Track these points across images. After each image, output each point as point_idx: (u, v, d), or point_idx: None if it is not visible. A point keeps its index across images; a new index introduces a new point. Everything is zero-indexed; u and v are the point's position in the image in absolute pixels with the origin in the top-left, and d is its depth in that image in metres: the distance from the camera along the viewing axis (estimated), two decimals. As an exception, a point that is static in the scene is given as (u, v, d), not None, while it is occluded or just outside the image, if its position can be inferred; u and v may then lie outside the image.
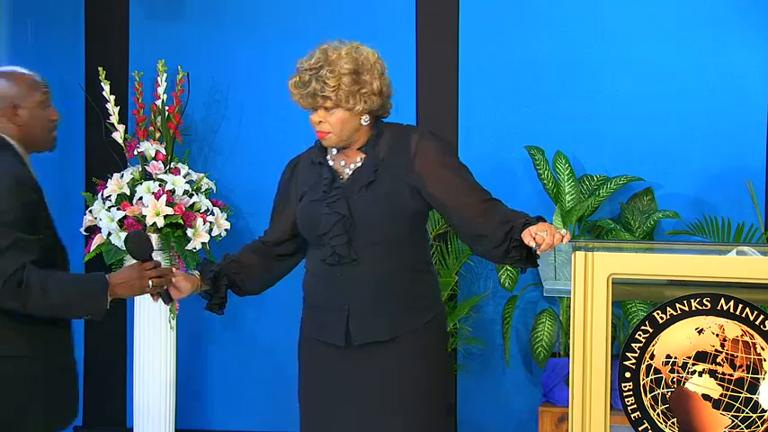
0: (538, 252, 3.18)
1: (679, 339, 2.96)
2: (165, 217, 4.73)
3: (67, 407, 3.37)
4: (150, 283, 3.28)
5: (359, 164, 3.29)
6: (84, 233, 4.92)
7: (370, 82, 3.26)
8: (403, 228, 3.26)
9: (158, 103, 4.95)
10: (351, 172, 3.29)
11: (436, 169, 3.26)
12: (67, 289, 3.19)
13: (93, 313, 3.25)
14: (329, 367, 3.32)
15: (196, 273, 3.44)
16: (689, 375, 2.95)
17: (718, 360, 2.93)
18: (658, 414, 2.97)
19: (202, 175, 4.95)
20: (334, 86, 3.20)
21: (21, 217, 3.16)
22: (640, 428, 2.99)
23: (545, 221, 3.19)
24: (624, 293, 3.25)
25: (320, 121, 3.24)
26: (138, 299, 4.88)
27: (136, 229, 3.47)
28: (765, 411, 2.92)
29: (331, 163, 3.33)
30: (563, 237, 3.13)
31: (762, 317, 2.92)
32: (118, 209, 4.75)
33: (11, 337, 3.20)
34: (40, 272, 3.12)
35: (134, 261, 3.34)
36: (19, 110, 3.33)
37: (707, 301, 2.95)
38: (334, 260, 3.24)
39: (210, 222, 4.85)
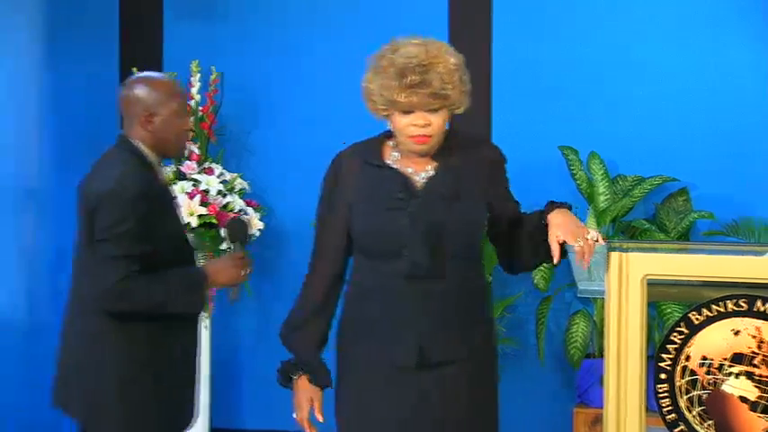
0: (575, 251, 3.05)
1: (715, 341, 2.94)
2: (199, 217, 4.75)
3: (182, 416, 3.41)
4: (243, 272, 3.33)
5: (431, 172, 3.07)
6: (119, 233, 4.94)
7: (468, 80, 3.08)
8: (479, 240, 3.12)
9: (192, 103, 4.97)
10: (425, 180, 3.06)
11: (501, 185, 3.17)
12: (168, 286, 3.24)
13: (193, 307, 3.32)
14: (394, 391, 3.06)
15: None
16: (725, 377, 2.93)
17: (755, 362, 2.91)
18: (694, 416, 2.95)
19: (236, 175, 4.97)
20: (451, 84, 2.99)
21: (132, 229, 3.19)
22: (676, 430, 2.97)
23: (567, 210, 3.13)
24: (659, 294, 3.23)
25: (426, 124, 2.99)
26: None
27: (234, 216, 3.45)
28: (803, 414, 2.90)
29: (395, 167, 3.08)
30: (596, 240, 3.01)
31: (799, 318, 2.90)
32: (152, 209, 4.76)
33: (131, 345, 3.28)
34: (141, 277, 3.18)
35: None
36: (154, 117, 3.33)
37: (743, 302, 2.93)
38: (416, 274, 3.00)
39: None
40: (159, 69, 5.30)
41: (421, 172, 3.07)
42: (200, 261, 4.78)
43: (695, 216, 4.80)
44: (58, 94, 5.33)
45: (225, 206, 4.84)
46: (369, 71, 3.04)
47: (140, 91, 3.34)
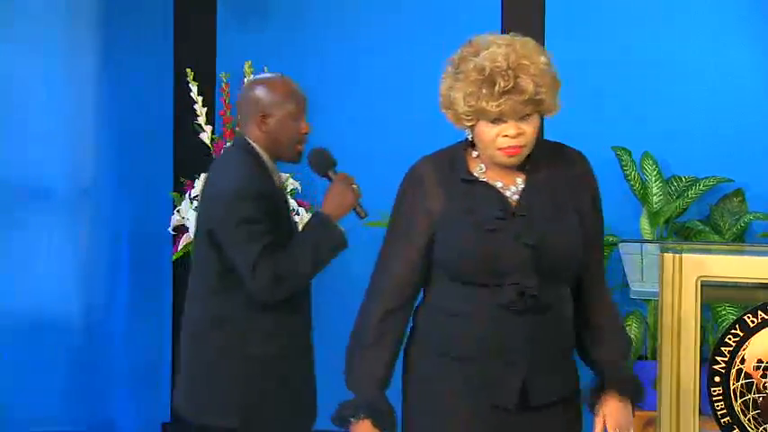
0: None
1: (771, 344, 2.91)
2: (252, 217, 4.76)
3: (307, 408, 3.47)
4: (355, 186, 3.40)
5: (521, 186, 2.71)
6: (172, 232, 4.98)
7: (559, 78, 2.77)
8: (578, 265, 2.73)
9: (245, 103, 4.98)
10: (517, 196, 2.70)
11: (591, 206, 2.79)
12: (303, 242, 3.38)
13: (336, 241, 3.42)
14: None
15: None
16: (781, 381, 2.90)
17: (812, 365, 2.88)
18: (749, 420, 2.92)
19: (288, 175, 4.98)
20: (544, 86, 2.68)
21: (262, 225, 3.30)
22: (730, 434, 2.95)
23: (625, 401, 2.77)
24: (713, 296, 3.20)
25: (518, 134, 2.65)
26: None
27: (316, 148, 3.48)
28: None
29: (485, 180, 2.72)
30: None
31: None
32: (205, 208, 4.79)
33: (258, 337, 3.39)
34: (276, 250, 3.32)
35: None
36: (268, 118, 3.38)
37: (799, 304, 2.90)
38: (521, 304, 2.63)
39: (296, 222, 4.88)
40: (212, 70, 5.33)
41: (510, 186, 2.72)
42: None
43: (750, 217, 4.76)
44: (112, 94, 5.38)
45: (277, 206, 4.85)
46: (447, 77, 2.71)
47: (257, 92, 3.41)
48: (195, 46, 5.42)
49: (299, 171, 5.16)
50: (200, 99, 4.96)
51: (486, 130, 2.65)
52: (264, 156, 3.41)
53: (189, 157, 5.29)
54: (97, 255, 5.32)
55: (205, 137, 4.97)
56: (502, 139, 2.64)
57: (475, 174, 2.72)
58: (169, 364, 5.48)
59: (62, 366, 5.13)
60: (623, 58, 5.05)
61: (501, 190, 2.70)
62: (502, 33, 5.15)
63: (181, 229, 4.90)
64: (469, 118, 2.65)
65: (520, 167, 2.71)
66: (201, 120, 4.97)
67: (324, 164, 3.45)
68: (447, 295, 2.71)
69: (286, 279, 3.35)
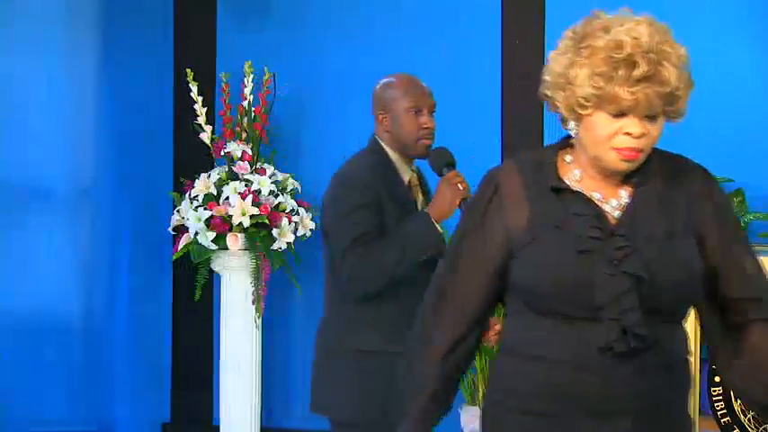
0: None
1: (771, 344, 2.91)
2: (251, 217, 4.76)
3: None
4: (460, 186, 3.31)
5: (624, 200, 2.24)
6: (172, 232, 4.98)
7: (693, 83, 2.34)
8: (696, 297, 2.27)
9: (245, 104, 4.99)
10: (618, 212, 2.23)
11: (714, 220, 2.29)
12: (392, 245, 3.31)
13: (429, 247, 3.31)
14: None
15: None
16: (781, 381, 2.90)
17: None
18: (749, 420, 2.92)
19: (288, 175, 4.98)
20: (683, 83, 2.29)
21: (359, 214, 3.33)
22: (730, 434, 2.95)
23: None
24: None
25: (642, 134, 2.18)
26: (223, 297, 4.93)
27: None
28: None
29: (578, 190, 2.25)
30: None
31: None
32: (205, 209, 4.80)
33: (371, 334, 3.40)
34: (371, 240, 3.31)
35: None
36: (388, 115, 3.46)
37: (800, 305, 2.90)
38: (623, 344, 2.14)
39: (296, 222, 4.88)
40: (213, 69, 5.33)
41: (611, 199, 2.24)
42: (252, 262, 4.81)
43: (750, 217, 4.75)
44: (112, 94, 5.38)
45: (277, 206, 4.85)
46: (566, 52, 2.27)
47: (378, 90, 3.52)
48: (195, 46, 5.42)
49: (299, 171, 5.17)
50: (200, 99, 4.95)
51: (604, 124, 2.17)
52: (392, 153, 3.46)
53: (189, 158, 5.29)
54: (97, 255, 5.32)
55: (205, 137, 4.97)
56: (622, 137, 2.17)
57: (567, 181, 2.24)
58: (169, 364, 5.48)
59: (62, 367, 5.14)
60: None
61: (599, 203, 2.22)
62: (502, 36, 5.20)
63: (181, 229, 4.90)
64: (589, 104, 2.17)
65: (626, 178, 2.24)
66: (201, 120, 4.97)
67: (438, 162, 3.43)
68: (526, 332, 2.23)
69: (369, 271, 3.34)
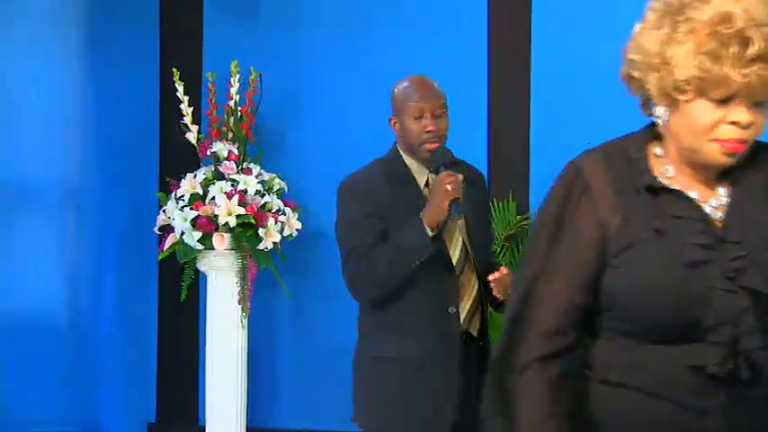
0: None
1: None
2: (238, 217, 4.76)
3: (433, 410, 3.45)
4: (448, 187, 3.30)
5: (724, 199, 1.93)
6: (158, 232, 4.97)
7: None
8: None
9: (231, 103, 4.98)
10: (720, 213, 1.92)
11: None
12: (387, 251, 3.34)
13: (420, 251, 3.31)
14: None
15: None
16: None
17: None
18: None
19: (274, 175, 4.98)
20: None
21: (354, 222, 3.40)
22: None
23: None
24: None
25: (749, 123, 1.86)
26: (209, 297, 4.93)
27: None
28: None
29: (675, 189, 1.94)
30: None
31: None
32: (191, 208, 4.79)
33: (383, 341, 3.48)
34: (370, 250, 3.36)
35: None
36: (396, 120, 3.50)
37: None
38: (743, 373, 1.83)
39: (282, 222, 4.88)
40: (199, 69, 5.32)
41: (710, 198, 1.93)
42: (238, 262, 4.80)
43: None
44: (98, 94, 5.37)
45: (263, 206, 4.85)
46: (654, 26, 1.97)
47: (392, 94, 3.56)
48: (181, 46, 5.42)
49: (286, 171, 5.17)
50: (186, 99, 4.95)
51: (705, 111, 1.86)
52: (406, 157, 3.49)
53: (175, 158, 5.28)
54: (83, 255, 5.31)
55: (191, 137, 4.96)
56: (726, 127, 1.85)
57: (660, 179, 1.94)
58: (155, 364, 5.47)
59: (48, 367, 5.12)
60: (608, 57, 5.02)
61: (699, 203, 1.91)
62: (488, 32, 5.20)
63: (167, 229, 4.89)
64: (689, 88, 1.87)
65: (723, 174, 1.93)
66: (188, 119, 4.96)
67: (436, 164, 3.43)
68: (614, 355, 1.91)
69: (362, 281, 3.41)
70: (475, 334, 3.44)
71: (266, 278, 5.04)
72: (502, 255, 4.84)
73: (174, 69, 5.00)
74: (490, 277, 3.35)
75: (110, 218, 5.42)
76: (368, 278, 3.39)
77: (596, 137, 5.27)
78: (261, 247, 4.82)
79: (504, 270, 3.37)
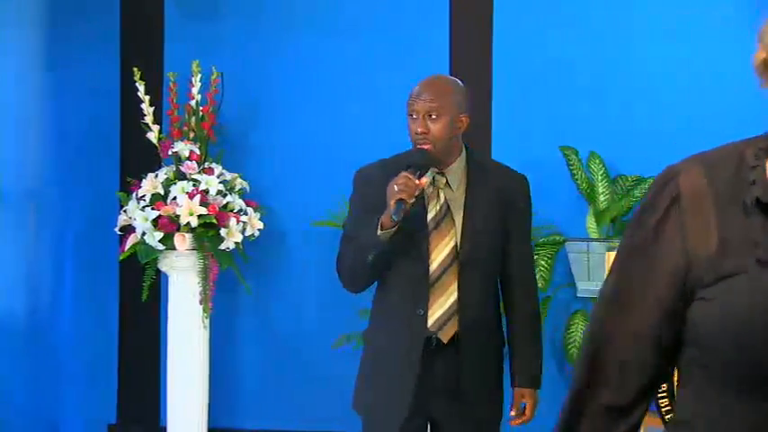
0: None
1: (714, 341, 2.93)
2: (199, 217, 4.75)
3: (394, 403, 3.49)
4: (395, 187, 3.28)
5: None
6: (119, 233, 4.95)
7: None
8: None
9: (192, 103, 4.97)
10: None
11: None
12: (355, 244, 3.43)
13: (374, 245, 3.36)
14: None
15: None
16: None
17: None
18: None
19: (236, 175, 4.97)
20: None
21: (349, 217, 3.55)
22: (674, 430, 2.97)
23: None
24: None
25: None
26: (171, 298, 4.91)
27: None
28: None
29: None
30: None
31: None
32: (152, 209, 4.77)
33: (371, 327, 3.59)
34: (343, 247, 3.51)
35: None
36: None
37: (742, 302, 2.92)
38: None
39: (244, 222, 4.87)
40: (160, 69, 5.30)
41: None
42: (200, 262, 4.79)
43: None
44: (58, 93, 5.34)
45: (225, 206, 4.84)
46: None
47: None
48: (142, 45, 5.39)
49: (248, 170, 5.16)
50: (147, 98, 4.93)
51: None
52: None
53: (136, 157, 5.26)
54: (43, 255, 5.28)
55: (152, 136, 4.95)
56: None
57: None
58: (116, 364, 5.45)
59: (7, 367, 5.08)
60: (570, 59, 5.08)
61: None
62: (450, 33, 5.22)
63: (128, 229, 4.87)
64: None
65: None
66: (149, 119, 4.94)
67: (408, 162, 3.42)
68: (704, 408, 1.58)
69: (338, 269, 3.53)
70: (444, 341, 3.43)
71: (228, 278, 5.03)
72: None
73: (135, 68, 4.98)
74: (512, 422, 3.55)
75: (70, 218, 5.39)
76: (340, 267, 3.53)
77: (558, 138, 5.36)
78: (223, 247, 4.82)
79: (527, 399, 3.54)
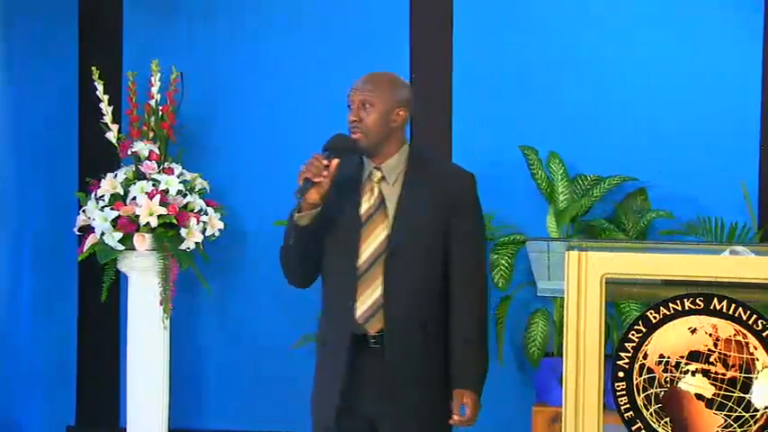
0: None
1: (672, 339, 2.96)
2: (159, 217, 4.73)
3: (324, 397, 3.52)
4: (301, 167, 3.33)
5: None
6: (78, 233, 4.92)
7: None
8: None
9: (152, 102, 4.95)
10: None
11: None
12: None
13: (290, 228, 3.44)
14: None
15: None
16: (682, 375, 2.95)
17: (712, 359, 2.94)
18: (651, 413, 2.98)
19: (196, 174, 4.95)
20: None
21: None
22: (633, 428, 2.99)
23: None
24: (618, 293, 3.25)
25: None
26: (130, 298, 4.88)
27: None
28: (758, 411, 2.93)
29: None
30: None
31: (754, 316, 2.93)
32: (111, 209, 4.74)
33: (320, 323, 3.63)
34: None
35: None
36: None
37: (700, 300, 2.95)
38: None
39: (204, 222, 4.85)
40: (119, 68, 5.27)
41: None
42: (160, 262, 4.77)
43: (653, 215, 4.84)
44: (15, 92, 5.29)
45: (185, 206, 4.82)
46: None
47: None
48: (101, 43, 5.35)
49: (208, 170, 5.13)
50: (105, 98, 4.90)
51: None
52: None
53: (95, 157, 5.23)
54: (1, 256, 5.22)
55: (111, 136, 4.92)
56: None
57: None
58: (75, 366, 5.41)
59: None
60: (529, 59, 5.10)
61: None
62: (410, 33, 5.23)
63: (87, 230, 4.84)
64: None
65: None
66: (108, 119, 4.91)
67: (332, 144, 3.46)
68: None
69: (281, 265, 3.60)
70: (371, 333, 3.44)
71: (188, 279, 5.01)
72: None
73: (94, 68, 4.95)
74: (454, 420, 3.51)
75: (28, 218, 5.35)
76: (280, 261, 3.61)
77: (518, 138, 5.38)
78: (183, 247, 4.80)
79: (467, 401, 3.51)
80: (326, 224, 3.42)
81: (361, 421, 3.48)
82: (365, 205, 3.46)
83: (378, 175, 3.49)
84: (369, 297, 3.42)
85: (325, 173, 3.35)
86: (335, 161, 3.38)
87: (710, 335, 2.95)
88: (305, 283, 3.59)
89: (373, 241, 3.44)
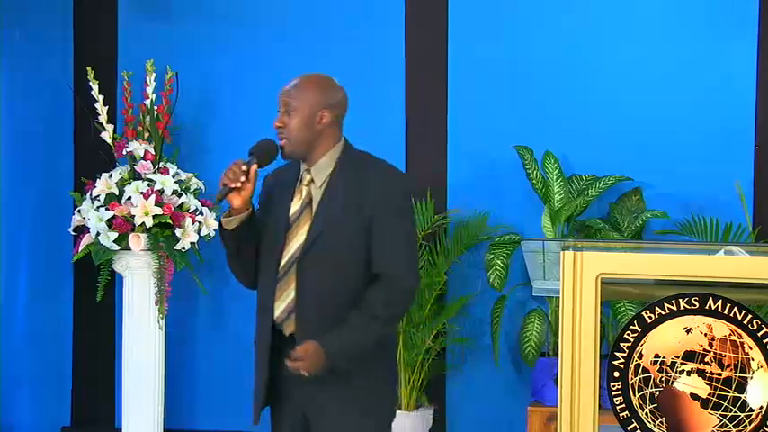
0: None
1: (667, 339, 2.97)
2: (154, 217, 4.72)
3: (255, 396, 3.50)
4: (224, 171, 3.35)
5: None
6: (73, 233, 4.91)
7: None
8: None
9: (147, 102, 4.94)
10: None
11: None
12: None
13: (221, 229, 3.47)
14: None
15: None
16: (677, 375, 2.96)
17: (707, 359, 2.94)
18: (647, 413, 2.98)
19: (191, 174, 4.95)
20: None
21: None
22: (629, 428, 3.00)
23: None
24: (613, 293, 3.26)
25: None
26: (125, 298, 4.88)
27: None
28: (753, 410, 2.93)
29: None
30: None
31: (749, 316, 2.93)
32: (106, 209, 4.74)
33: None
34: None
35: None
36: None
37: (695, 300, 2.96)
38: None
39: (199, 222, 4.85)
40: (114, 69, 5.27)
41: None
42: (155, 262, 4.76)
43: (649, 215, 4.84)
44: (11, 93, 5.29)
45: (180, 206, 4.81)
46: None
47: None
48: (96, 44, 5.35)
49: (203, 170, 5.13)
50: (101, 98, 4.90)
51: None
52: None
53: (90, 157, 5.22)
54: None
55: (106, 136, 4.91)
56: None
57: None
58: (70, 366, 5.40)
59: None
60: (525, 60, 5.10)
61: None
62: (405, 34, 5.23)
63: (82, 230, 4.84)
64: None
65: None
66: (103, 119, 4.91)
67: (259, 150, 3.48)
68: None
69: None
70: (286, 334, 3.41)
71: (184, 279, 5.01)
72: (420, 254, 4.86)
73: (89, 68, 4.94)
74: (288, 363, 3.30)
75: (23, 218, 5.34)
76: None
77: (513, 138, 5.39)
78: (178, 247, 4.79)
79: (308, 348, 3.28)
80: (262, 227, 3.45)
81: (294, 415, 3.46)
82: (294, 207, 3.45)
83: (307, 177, 3.46)
84: (284, 300, 3.41)
85: (243, 178, 3.37)
86: (254, 167, 3.40)
87: (706, 335, 2.95)
88: (248, 282, 3.58)
89: (294, 244, 3.41)
